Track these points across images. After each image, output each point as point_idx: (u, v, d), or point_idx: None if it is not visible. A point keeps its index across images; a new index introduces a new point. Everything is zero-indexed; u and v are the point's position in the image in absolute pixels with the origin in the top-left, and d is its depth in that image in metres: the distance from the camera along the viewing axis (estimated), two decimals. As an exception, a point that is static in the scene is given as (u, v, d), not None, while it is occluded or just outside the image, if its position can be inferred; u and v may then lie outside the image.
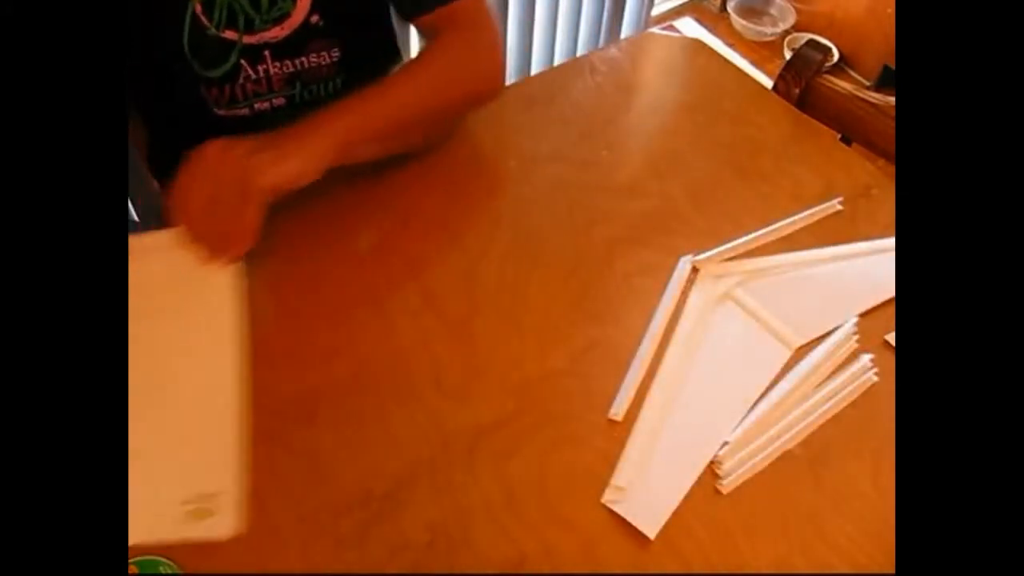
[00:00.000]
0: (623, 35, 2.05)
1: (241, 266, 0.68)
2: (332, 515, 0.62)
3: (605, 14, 1.93)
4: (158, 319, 0.65)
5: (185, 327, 0.67)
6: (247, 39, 0.80)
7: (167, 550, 0.59)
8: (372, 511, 0.62)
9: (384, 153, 0.80)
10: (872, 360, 0.73)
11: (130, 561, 0.58)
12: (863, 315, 0.77)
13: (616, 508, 0.63)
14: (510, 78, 1.81)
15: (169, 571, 0.58)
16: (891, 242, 0.83)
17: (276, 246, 0.79)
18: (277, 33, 0.81)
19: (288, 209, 0.81)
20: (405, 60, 1.03)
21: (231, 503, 0.61)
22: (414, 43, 1.56)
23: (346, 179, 0.81)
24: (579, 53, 1.95)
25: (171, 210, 0.66)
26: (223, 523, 0.60)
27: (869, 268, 0.81)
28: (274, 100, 0.86)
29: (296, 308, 0.76)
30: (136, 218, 1.35)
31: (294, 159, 0.68)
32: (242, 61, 0.82)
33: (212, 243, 0.67)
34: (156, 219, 1.26)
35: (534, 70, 1.87)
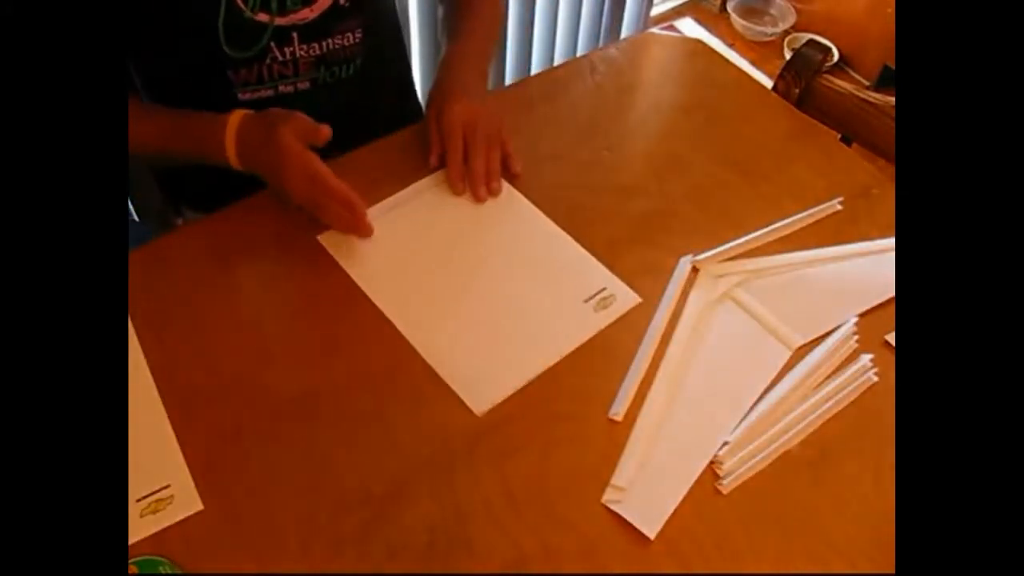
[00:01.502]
0: (623, 35, 2.05)
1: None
2: (332, 515, 0.62)
3: (605, 14, 1.93)
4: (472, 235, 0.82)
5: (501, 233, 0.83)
6: (278, 21, 0.82)
7: (167, 551, 0.59)
8: (372, 511, 0.62)
9: None
10: (872, 360, 0.73)
11: (130, 561, 0.58)
12: (863, 315, 0.77)
13: (616, 508, 0.63)
14: (510, 78, 1.81)
15: (169, 571, 0.58)
16: (891, 242, 0.83)
17: (276, 246, 0.79)
18: (307, 15, 0.83)
19: (289, 209, 0.81)
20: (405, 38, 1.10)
21: (183, 486, 0.62)
22: (413, 33, 1.56)
23: (347, 180, 0.81)
24: (579, 53, 1.95)
25: (452, 160, 0.83)
26: (182, 506, 0.61)
27: (869, 268, 0.81)
28: (299, 84, 0.88)
29: (296, 307, 0.76)
30: (136, 218, 1.35)
31: (495, 103, 0.89)
32: (271, 43, 0.83)
33: (492, 175, 0.84)
34: (156, 218, 1.26)
35: (534, 70, 1.87)
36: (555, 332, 0.74)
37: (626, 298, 0.77)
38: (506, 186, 0.86)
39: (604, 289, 0.77)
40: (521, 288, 0.77)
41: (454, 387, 0.70)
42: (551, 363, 0.72)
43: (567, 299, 0.77)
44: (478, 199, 0.84)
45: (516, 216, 0.84)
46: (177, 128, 0.82)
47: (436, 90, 0.88)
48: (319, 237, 0.80)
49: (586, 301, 0.76)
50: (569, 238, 0.81)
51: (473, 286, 0.77)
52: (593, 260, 0.80)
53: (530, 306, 0.76)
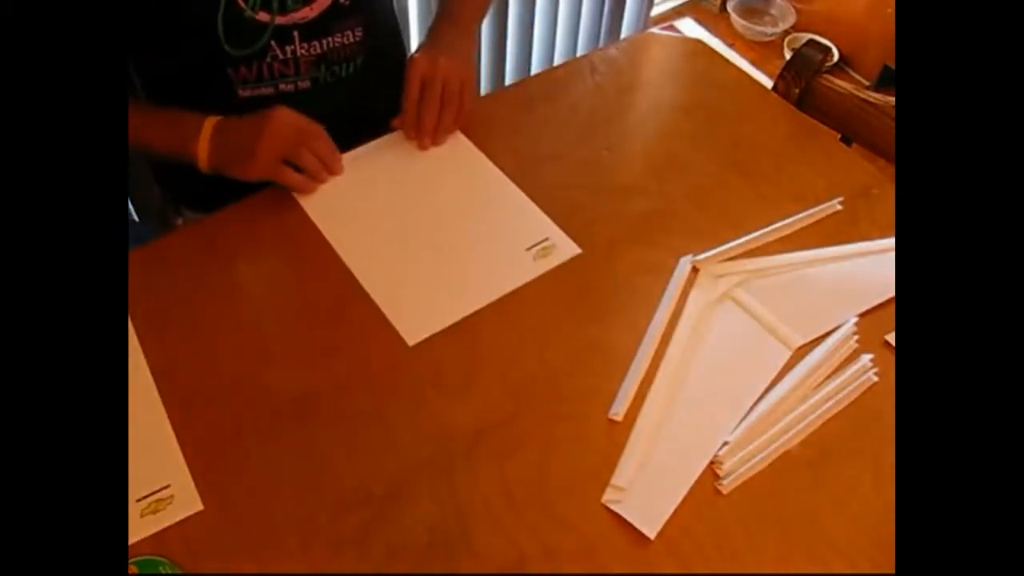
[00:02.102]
0: (623, 35, 2.04)
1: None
2: (332, 515, 0.62)
3: (605, 14, 1.93)
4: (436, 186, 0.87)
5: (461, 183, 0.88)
6: (279, 20, 0.82)
7: (167, 551, 0.59)
8: (372, 511, 0.62)
9: None
10: (872, 360, 0.73)
11: (130, 561, 0.58)
12: (863, 315, 0.77)
13: (616, 508, 0.63)
14: (510, 78, 1.81)
15: (169, 571, 0.58)
16: (891, 242, 0.83)
17: (275, 246, 0.79)
18: (307, 13, 0.83)
19: (288, 209, 0.81)
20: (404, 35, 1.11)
21: (183, 486, 0.63)
22: (413, 33, 1.56)
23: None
24: (579, 53, 1.95)
25: (407, 108, 0.88)
26: (182, 506, 0.62)
27: (869, 268, 0.81)
28: (299, 83, 0.88)
29: (296, 308, 0.76)
30: (136, 218, 1.36)
31: (471, 60, 0.94)
32: (272, 42, 0.84)
33: (440, 128, 0.88)
34: (156, 218, 1.26)
35: (534, 70, 1.87)
36: (494, 275, 0.78)
37: (566, 248, 0.81)
38: (461, 138, 0.91)
39: (547, 239, 0.81)
40: (466, 232, 0.82)
41: (390, 317, 0.73)
42: (486, 303, 0.76)
43: (509, 246, 0.81)
44: (420, 147, 0.89)
45: (469, 167, 0.88)
46: (155, 113, 0.84)
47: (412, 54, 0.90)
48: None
49: (528, 249, 0.80)
50: (518, 189, 0.86)
51: (421, 228, 0.82)
52: (539, 211, 0.84)
53: (473, 250, 0.80)
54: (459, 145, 0.90)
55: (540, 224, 0.83)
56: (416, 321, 0.74)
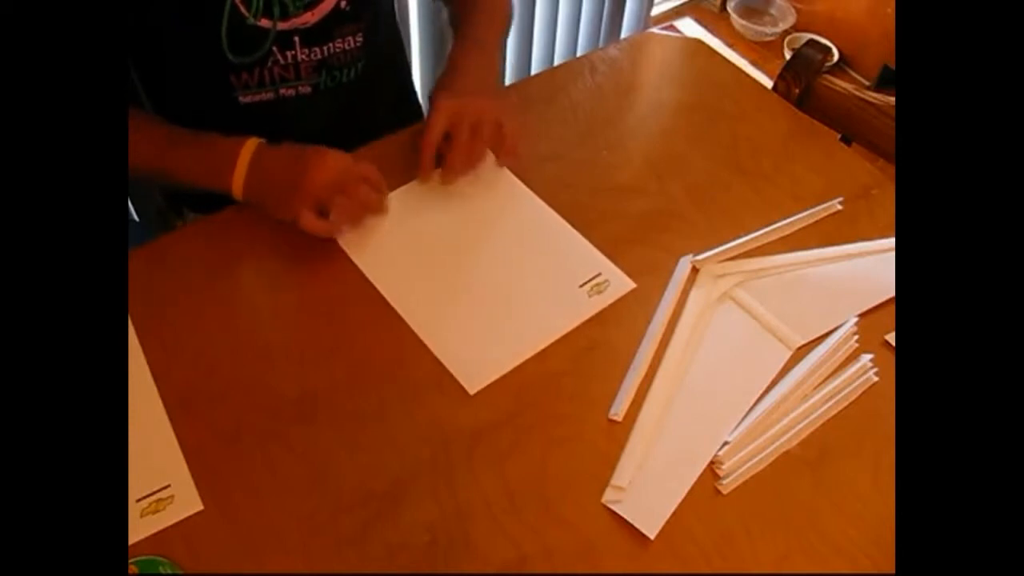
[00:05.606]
0: (623, 35, 2.05)
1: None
2: (332, 515, 0.62)
3: (605, 14, 1.93)
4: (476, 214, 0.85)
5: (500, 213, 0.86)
6: (280, 25, 0.82)
7: (167, 551, 0.59)
8: (372, 511, 0.62)
9: None
10: (872, 360, 0.73)
11: (130, 561, 0.58)
12: (863, 315, 0.77)
13: (616, 508, 0.63)
14: (510, 78, 1.81)
15: (169, 571, 0.58)
16: (891, 242, 0.83)
17: (276, 246, 0.79)
18: (308, 19, 0.83)
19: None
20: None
21: (183, 486, 0.62)
22: (414, 37, 1.56)
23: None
24: (579, 53, 1.95)
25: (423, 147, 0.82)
26: (182, 506, 0.62)
27: (869, 268, 0.81)
28: (300, 87, 0.88)
29: (296, 308, 0.76)
30: (136, 218, 1.35)
31: (499, 87, 0.91)
32: (273, 48, 0.84)
33: (446, 171, 0.84)
34: (156, 218, 1.26)
35: (534, 70, 1.87)
36: (549, 316, 0.75)
37: (620, 284, 0.78)
38: (506, 174, 0.87)
39: (599, 275, 0.79)
40: (518, 272, 0.79)
41: (448, 366, 0.71)
42: (543, 346, 0.73)
43: (562, 284, 0.78)
44: (444, 182, 0.84)
45: (515, 203, 0.86)
46: (178, 138, 0.81)
47: (435, 86, 0.87)
48: None
49: (581, 286, 0.78)
50: (567, 224, 0.83)
51: (471, 270, 0.79)
52: (589, 246, 0.81)
53: (526, 290, 0.78)
54: (503, 178, 0.87)
55: (591, 259, 0.80)
56: (476, 369, 0.71)
